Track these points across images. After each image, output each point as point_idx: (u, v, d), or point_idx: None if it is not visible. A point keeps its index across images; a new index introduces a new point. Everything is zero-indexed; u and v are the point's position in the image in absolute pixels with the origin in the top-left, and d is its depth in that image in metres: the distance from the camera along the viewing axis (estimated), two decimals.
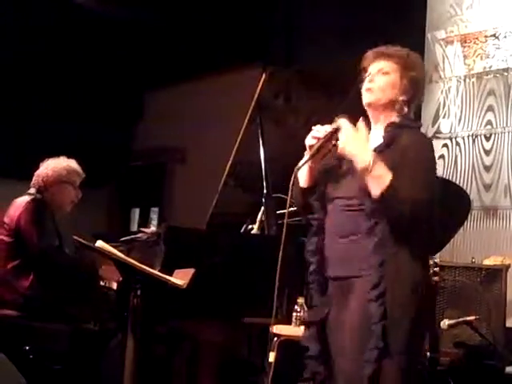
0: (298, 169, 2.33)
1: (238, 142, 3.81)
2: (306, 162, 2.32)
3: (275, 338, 3.03)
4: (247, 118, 3.79)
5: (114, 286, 3.49)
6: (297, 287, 3.41)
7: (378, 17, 4.96)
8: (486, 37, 4.54)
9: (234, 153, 3.82)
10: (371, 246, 2.20)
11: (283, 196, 3.64)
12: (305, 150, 4.09)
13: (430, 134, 4.78)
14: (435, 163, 2.30)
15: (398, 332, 2.12)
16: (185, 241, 3.27)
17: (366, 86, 2.37)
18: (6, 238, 3.65)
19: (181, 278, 2.90)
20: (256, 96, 3.77)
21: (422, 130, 4.78)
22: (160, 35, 6.39)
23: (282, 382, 3.17)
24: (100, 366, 3.58)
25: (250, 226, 3.68)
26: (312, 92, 4.07)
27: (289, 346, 3.13)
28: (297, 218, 3.72)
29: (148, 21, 6.30)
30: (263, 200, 3.62)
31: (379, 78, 2.35)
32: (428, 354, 2.97)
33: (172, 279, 2.88)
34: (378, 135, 2.35)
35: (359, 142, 2.22)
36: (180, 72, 6.48)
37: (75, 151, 3.99)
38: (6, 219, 3.69)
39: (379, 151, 2.26)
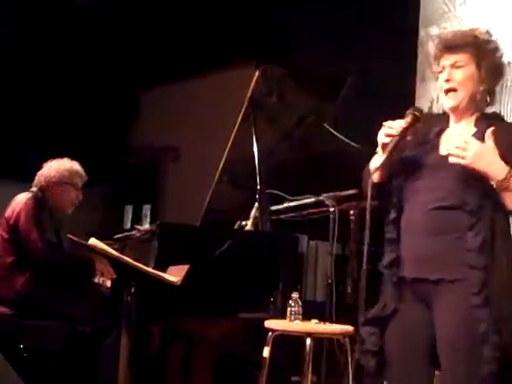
0: (377, 169, 2.16)
1: (231, 140, 3.81)
2: (383, 163, 2.14)
3: (270, 333, 3.03)
4: (241, 115, 3.80)
5: (108, 283, 3.50)
6: (291, 282, 3.43)
7: (372, 14, 4.96)
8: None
9: (227, 150, 3.82)
10: (474, 247, 2.04)
11: (277, 192, 3.68)
12: (296, 147, 4.14)
13: None
14: None
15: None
16: (178, 237, 3.27)
17: (444, 86, 2.20)
18: (4, 234, 3.66)
19: (175, 274, 2.90)
20: (249, 94, 3.77)
21: None
22: (155, 34, 6.39)
23: (277, 376, 3.18)
24: (96, 364, 3.58)
25: (243, 223, 3.69)
26: (305, 91, 4.08)
27: (283, 340, 3.13)
28: (290, 214, 3.75)
29: (144, 20, 6.30)
30: (257, 196, 3.62)
31: (456, 73, 2.18)
32: None
33: (166, 276, 2.88)
34: (465, 127, 2.21)
35: (488, 155, 2.03)
36: (175, 71, 6.47)
37: (70, 150, 3.99)
38: (6, 214, 3.69)
39: (481, 138, 2.10)
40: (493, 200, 2.07)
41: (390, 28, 4.85)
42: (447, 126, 2.26)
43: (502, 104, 4.26)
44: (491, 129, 2.07)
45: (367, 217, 2.15)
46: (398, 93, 4.79)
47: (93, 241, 2.89)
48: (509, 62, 4.34)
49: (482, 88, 2.20)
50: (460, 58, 2.18)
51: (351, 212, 3.48)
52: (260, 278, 3.36)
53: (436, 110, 4.77)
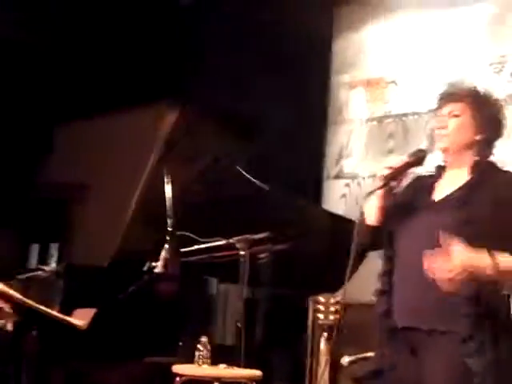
0: (370, 194, 2.20)
1: (143, 179, 3.77)
2: (377, 189, 2.19)
3: (177, 378, 2.97)
4: (154, 155, 3.77)
5: (9, 326, 3.35)
6: (200, 326, 3.39)
7: (287, 60, 5.07)
8: (386, 83, 4.73)
9: (139, 190, 3.78)
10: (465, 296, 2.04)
11: (188, 234, 3.65)
12: (209, 189, 4.14)
13: (333, 174, 4.91)
14: None
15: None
16: (85, 279, 3.20)
17: (438, 131, 2.26)
18: None
19: (81, 318, 2.82)
20: (165, 134, 3.76)
21: (325, 170, 4.98)
22: (74, 69, 6.30)
23: None
24: None
25: (153, 264, 3.63)
26: (220, 133, 4.10)
27: None
28: (200, 257, 3.72)
29: (61, 54, 6.20)
30: (167, 238, 3.58)
31: (451, 121, 2.23)
32: None
33: (71, 320, 2.80)
34: (459, 175, 2.23)
35: (469, 254, 2.01)
36: (91, 107, 6.38)
37: None
38: None
39: (469, 190, 2.15)
40: None
41: (303, 73, 4.97)
42: (441, 177, 2.28)
43: None
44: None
45: (351, 259, 2.15)
46: (309, 137, 4.91)
47: None
48: (406, 114, 4.55)
49: (478, 138, 2.23)
50: (457, 107, 2.23)
51: (262, 255, 3.50)
52: (168, 321, 3.31)
53: (345, 153, 4.90)
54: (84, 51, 6.11)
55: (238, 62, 5.39)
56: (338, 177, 4.87)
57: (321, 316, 2.95)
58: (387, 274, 2.21)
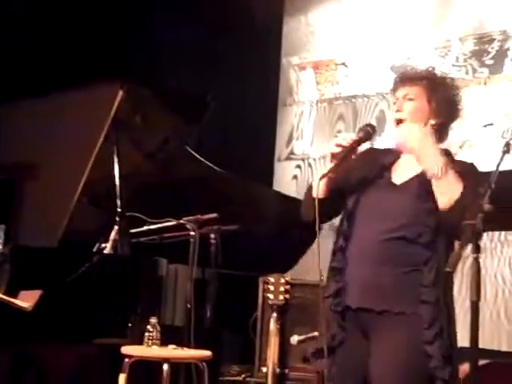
0: (322, 177, 2.12)
1: (92, 159, 3.72)
2: (330, 172, 2.12)
3: (126, 359, 2.96)
4: (102, 134, 3.72)
5: None
6: (150, 307, 3.38)
7: (237, 40, 5.05)
8: (336, 64, 4.77)
9: (87, 170, 3.73)
10: (428, 282, 2.04)
11: (137, 215, 3.63)
12: (159, 170, 4.11)
13: (283, 156, 4.93)
14: None
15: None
16: (32, 261, 3.15)
17: (394, 115, 2.23)
18: None
19: (26, 299, 2.78)
20: (112, 113, 3.71)
21: (276, 151, 5.00)
22: (17, 46, 6.14)
23: None
24: None
25: (102, 245, 3.60)
26: (169, 113, 4.07)
27: (140, 366, 3.08)
28: (151, 237, 3.71)
29: (6, 31, 6.04)
30: (116, 219, 3.55)
31: (406, 104, 2.20)
32: (278, 369, 3.03)
33: (16, 302, 2.77)
34: (413, 163, 2.18)
35: (427, 140, 2.07)
36: (36, 85, 6.24)
37: None
38: None
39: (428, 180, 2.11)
40: (445, 236, 2.08)
41: (253, 54, 4.97)
42: (399, 157, 2.25)
43: None
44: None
45: (317, 235, 2.09)
46: (259, 118, 4.91)
47: None
48: (355, 96, 4.59)
49: (433, 122, 2.20)
50: (411, 90, 2.20)
51: (212, 236, 3.50)
52: (118, 303, 3.29)
53: (295, 135, 4.93)
54: (28, 28, 5.97)
55: (187, 41, 5.35)
56: (288, 158, 4.90)
57: (271, 296, 2.98)
58: (341, 250, 2.17)
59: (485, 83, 4.13)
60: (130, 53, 5.81)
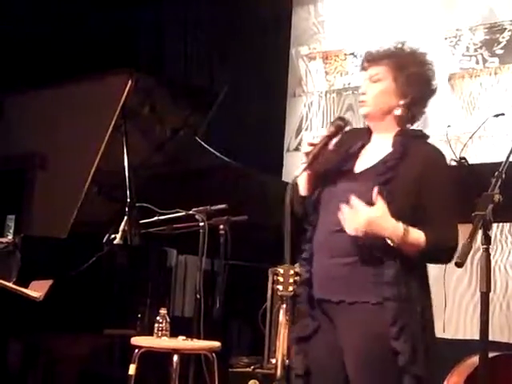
0: (297, 177, 2.11)
1: (101, 150, 3.73)
2: (303, 171, 2.10)
3: (136, 350, 2.97)
4: (112, 125, 3.72)
5: None
6: (159, 298, 3.39)
7: (246, 31, 5.04)
8: (345, 55, 4.74)
9: (97, 160, 3.73)
10: (387, 279, 2.01)
11: (147, 205, 3.63)
12: (168, 161, 4.11)
13: (292, 146, 4.92)
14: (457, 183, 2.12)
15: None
16: (42, 251, 3.16)
17: (360, 97, 2.17)
18: None
19: (37, 289, 2.80)
20: (121, 103, 3.71)
21: (285, 142, 4.99)
22: (25, 36, 6.14)
23: None
24: None
25: (112, 236, 3.61)
26: (178, 103, 4.06)
27: (150, 357, 3.09)
28: (159, 228, 3.71)
29: (13, 21, 6.03)
30: (126, 209, 3.56)
31: (371, 87, 2.13)
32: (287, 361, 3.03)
33: (27, 291, 2.78)
34: (383, 144, 2.15)
35: (380, 219, 1.98)
36: (44, 76, 6.25)
37: None
38: None
39: (394, 164, 2.07)
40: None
41: (262, 45, 4.95)
42: (369, 141, 2.21)
43: None
44: (376, 189, 2.00)
45: (286, 231, 2.07)
46: (269, 109, 4.90)
47: None
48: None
49: (401, 102, 2.13)
50: (377, 70, 2.13)
51: (221, 227, 3.50)
52: (127, 293, 3.30)
53: (304, 126, 4.91)
54: (37, 19, 5.97)
55: (196, 32, 5.34)
56: (297, 149, 4.88)
57: (280, 287, 2.97)
58: (309, 241, 2.16)
59: (495, 73, 4.10)
60: (139, 43, 5.81)
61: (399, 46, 2.16)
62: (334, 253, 2.08)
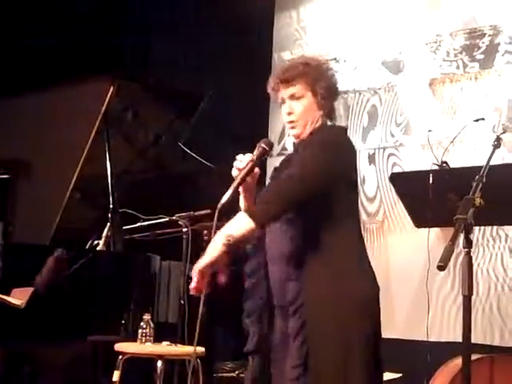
0: (222, 205, 2.09)
1: (83, 156, 3.72)
2: (229, 196, 2.10)
3: (120, 356, 2.96)
4: (94, 131, 3.72)
5: None
6: (143, 303, 3.38)
7: (229, 36, 5.05)
8: (327, 60, 4.76)
9: (79, 167, 3.72)
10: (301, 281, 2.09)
11: (130, 211, 3.63)
12: (151, 166, 4.10)
13: (275, 152, 4.93)
14: (334, 141, 2.17)
15: None
16: (25, 258, 3.14)
17: (285, 118, 2.23)
18: None
19: (19, 297, 2.78)
20: (103, 109, 3.70)
21: None
22: (8, 43, 6.12)
23: None
24: None
25: (95, 242, 3.60)
26: (161, 108, 4.06)
27: (134, 363, 3.08)
28: (143, 234, 3.71)
29: None
30: (109, 215, 3.55)
31: (295, 105, 2.20)
32: None
33: (9, 299, 2.76)
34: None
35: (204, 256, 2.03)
36: (27, 82, 6.22)
37: None
38: None
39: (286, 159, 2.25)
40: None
41: (245, 50, 4.96)
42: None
43: None
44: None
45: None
46: (252, 114, 4.91)
47: None
48: (347, 91, 4.59)
49: (321, 112, 2.22)
50: (296, 89, 2.20)
51: (204, 232, 3.50)
52: (111, 300, 3.29)
53: (287, 132, 4.93)
54: (21, 25, 5.94)
55: (179, 37, 5.34)
56: (281, 154, 4.88)
57: None
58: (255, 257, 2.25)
59: (475, 78, 4.14)
60: (122, 49, 5.80)
61: (306, 60, 2.24)
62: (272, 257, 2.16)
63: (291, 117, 2.21)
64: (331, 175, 2.12)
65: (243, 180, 2.13)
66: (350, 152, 2.23)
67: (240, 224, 2.07)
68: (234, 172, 2.15)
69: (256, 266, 2.25)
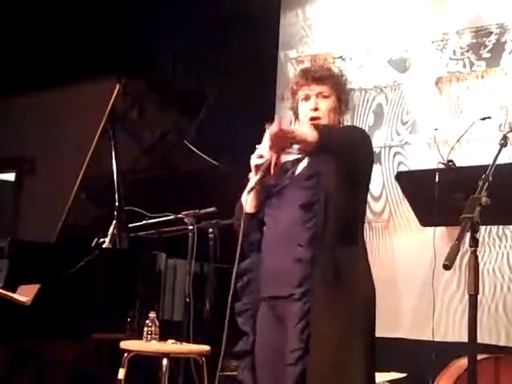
0: (249, 192, 2.12)
1: (89, 154, 3.72)
2: (256, 184, 2.11)
3: (125, 354, 2.97)
4: (100, 129, 3.72)
5: None
6: (148, 301, 3.39)
7: (235, 34, 5.04)
8: (334, 58, 4.75)
9: (85, 165, 3.73)
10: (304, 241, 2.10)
11: (136, 209, 3.63)
12: (157, 164, 4.11)
13: None
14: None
15: None
16: (30, 255, 3.15)
17: (309, 114, 2.26)
18: None
19: (25, 294, 2.79)
20: (109, 107, 3.71)
21: None
22: (13, 41, 6.13)
23: None
24: None
25: (101, 240, 3.61)
26: (167, 107, 4.06)
27: (139, 361, 3.08)
28: (148, 231, 3.71)
29: (2, 26, 6.03)
30: (115, 213, 3.55)
31: (322, 102, 2.26)
32: None
33: (15, 296, 2.77)
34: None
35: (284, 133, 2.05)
36: (33, 80, 6.23)
37: None
38: None
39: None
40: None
41: (251, 48, 4.95)
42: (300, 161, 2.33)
43: None
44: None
45: (238, 250, 2.11)
46: (258, 112, 4.90)
47: None
48: (353, 89, 4.57)
49: (341, 119, 2.30)
50: (325, 89, 2.27)
51: (210, 230, 3.50)
52: (116, 297, 3.29)
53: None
54: (26, 23, 5.95)
55: (185, 35, 5.34)
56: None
57: None
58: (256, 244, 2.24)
59: (482, 76, 4.13)
60: (127, 47, 5.80)
61: (330, 66, 2.45)
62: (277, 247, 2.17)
63: (317, 113, 2.26)
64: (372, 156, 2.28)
65: (270, 167, 2.10)
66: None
67: (304, 130, 2.10)
68: (255, 161, 2.13)
69: (249, 265, 2.25)
